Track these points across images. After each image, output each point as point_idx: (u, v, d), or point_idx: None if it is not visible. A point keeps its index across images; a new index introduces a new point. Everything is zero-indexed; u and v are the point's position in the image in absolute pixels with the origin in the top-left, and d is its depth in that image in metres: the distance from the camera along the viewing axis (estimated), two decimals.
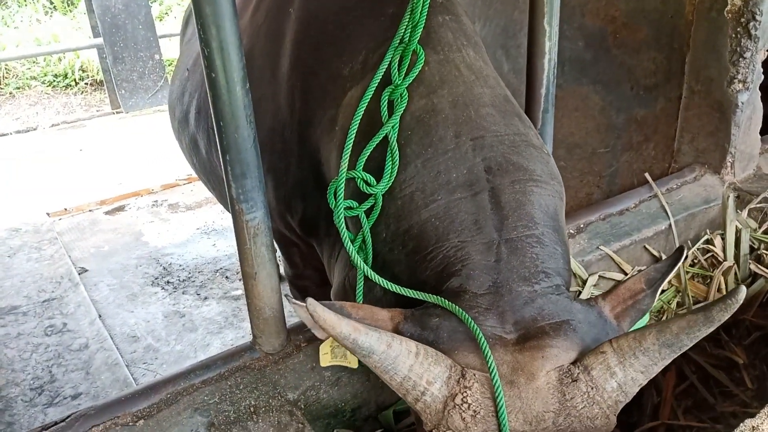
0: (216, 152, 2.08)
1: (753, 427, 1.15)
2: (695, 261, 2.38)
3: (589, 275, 2.15)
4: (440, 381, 1.24)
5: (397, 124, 1.59)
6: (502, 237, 1.43)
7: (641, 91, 2.75)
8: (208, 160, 2.58)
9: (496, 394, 1.22)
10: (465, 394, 1.23)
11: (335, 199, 1.56)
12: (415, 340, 1.29)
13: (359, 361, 1.52)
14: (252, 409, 1.57)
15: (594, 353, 1.25)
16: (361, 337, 1.21)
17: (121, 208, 5.62)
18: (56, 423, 1.52)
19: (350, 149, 1.56)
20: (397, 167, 1.57)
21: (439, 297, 1.37)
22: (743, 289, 1.16)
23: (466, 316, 1.30)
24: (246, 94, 1.44)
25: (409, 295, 1.43)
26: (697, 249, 2.37)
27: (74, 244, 4.97)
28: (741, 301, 1.15)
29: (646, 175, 2.49)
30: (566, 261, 1.51)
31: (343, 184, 1.55)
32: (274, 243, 1.64)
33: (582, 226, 2.24)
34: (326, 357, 1.52)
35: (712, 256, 2.36)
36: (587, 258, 2.14)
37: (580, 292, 2.13)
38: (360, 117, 1.59)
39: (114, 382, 3.34)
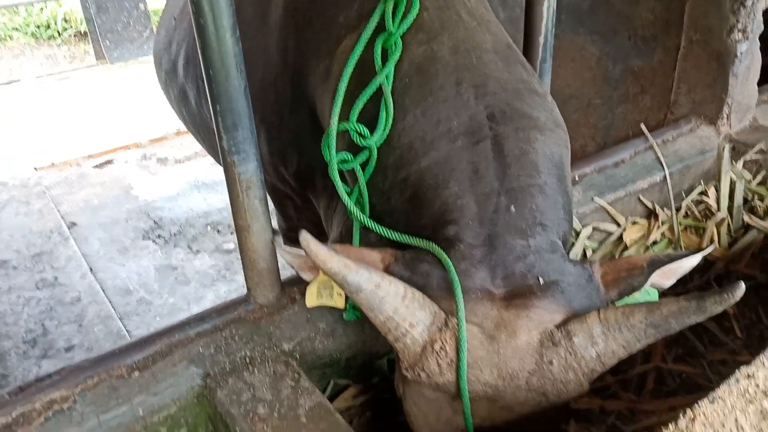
0: (206, 103, 2.03)
1: (748, 374, 1.16)
2: (689, 212, 2.37)
3: (583, 227, 2.14)
4: (422, 325, 1.25)
5: (392, 74, 1.55)
6: (504, 187, 1.40)
7: (639, 41, 2.70)
8: (198, 111, 2.53)
9: (459, 344, 1.23)
10: (444, 342, 1.24)
11: (329, 153, 1.53)
12: (405, 280, 1.30)
13: (346, 302, 1.53)
14: (248, 360, 1.57)
15: (579, 320, 1.25)
16: (351, 275, 1.21)
17: (109, 162, 5.56)
18: (50, 375, 1.51)
19: (341, 100, 1.52)
20: (391, 118, 1.53)
21: (432, 243, 1.35)
22: (742, 285, 1.13)
23: (451, 266, 1.28)
24: (236, 42, 1.39)
25: (404, 241, 1.42)
26: (691, 200, 2.36)
27: (63, 198, 4.93)
28: (738, 298, 1.13)
29: (642, 126, 2.46)
30: (568, 211, 1.50)
31: (334, 137, 1.51)
32: (267, 196, 1.61)
33: (577, 178, 2.23)
34: (312, 297, 1.51)
35: (706, 207, 2.36)
36: (582, 210, 2.13)
37: (574, 244, 2.13)
38: (352, 66, 1.54)
39: (107, 334, 3.36)
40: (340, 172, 1.58)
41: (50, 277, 3.92)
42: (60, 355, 3.26)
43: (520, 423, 1.31)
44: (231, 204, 1.57)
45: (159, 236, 4.36)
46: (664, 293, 1.42)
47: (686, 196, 2.37)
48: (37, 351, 3.32)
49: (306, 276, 1.52)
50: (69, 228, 4.44)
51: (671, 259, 1.33)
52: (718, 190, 2.37)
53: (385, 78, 1.54)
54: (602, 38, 2.83)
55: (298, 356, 1.66)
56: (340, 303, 1.52)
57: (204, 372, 1.55)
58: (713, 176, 2.44)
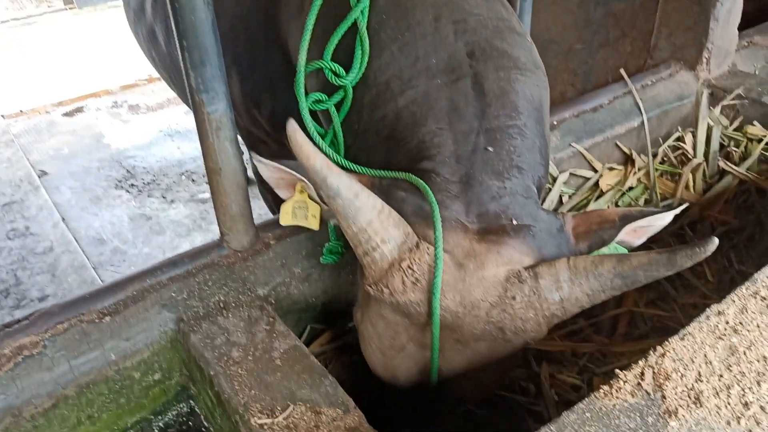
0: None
1: (718, 311, 1.16)
2: (665, 158, 2.38)
3: (560, 172, 2.13)
4: (393, 243, 1.24)
5: (367, 8, 1.50)
6: (482, 126, 1.38)
7: None
8: (167, 53, 2.44)
9: (436, 267, 1.22)
10: (413, 262, 1.24)
11: (298, 92, 1.48)
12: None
13: (320, 223, 1.50)
14: (221, 304, 1.56)
15: (548, 264, 1.24)
16: (332, 176, 1.18)
17: (79, 110, 5.41)
18: (19, 321, 1.49)
19: (309, 36, 1.46)
20: (367, 56, 1.49)
21: (409, 174, 1.34)
22: (715, 240, 1.11)
23: (430, 192, 1.27)
24: None
25: (379, 175, 1.40)
26: (668, 146, 2.36)
27: (32, 146, 4.81)
28: (710, 253, 1.12)
29: (622, 71, 2.43)
30: (544, 155, 1.48)
31: (302, 75, 1.46)
32: (239, 137, 1.57)
33: (555, 123, 2.20)
34: (287, 216, 1.47)
35: (683, 153, 2.36)
36: (559, 155, 2.12)
37: (550, 189, 2.13)
38: (321, 1, 1.48)
39: (81, 284, 3.32)
40: (314, 113, 1.54)
41: (21, 226, 3.84)
42: (33, 305, 3.22)
43: (470, 366, 1.31)
44: (201, 146, 1.53)
45: (132, 185, 4.28)
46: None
47: (663, 143, 2.37)
48: (10, 301, 3.28)
49: (283, 194, 1.48)
50: (39, 177, 4.34)
51: (643, 215, 1.32)
52: (695, 136, 2.37)
53: (360, 13, 1.49)
54: None
55: (273, 301, 1.65)
56: (314, 224, 1.49)
57: (177, 316, 1.53)
58: (691, 123, 2.43)
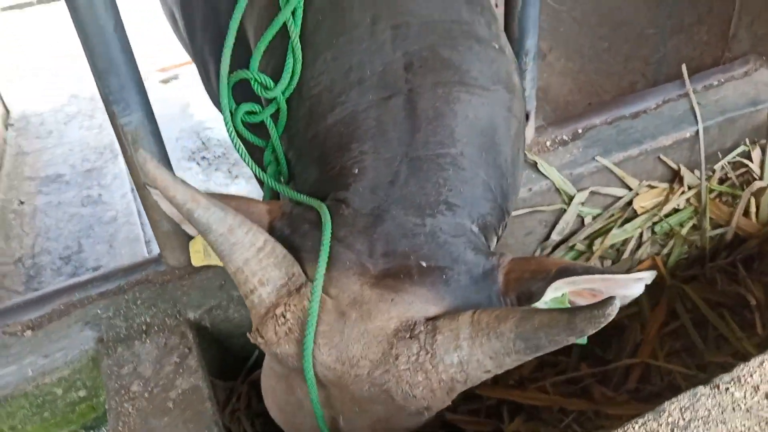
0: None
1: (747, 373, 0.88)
2: (727, 176, 1.97)
3: (579, 191, 1.82)
4: (272, 286, 1.08)
5: (301, 8, 1.30)
6: (408, 154, 1.17)
7: None
8: (184, 38, 2.37)
9: (309, 315, 1.04)
10: (287, 308, 1.06)
11: (222, 104, 1.33)
12: (283, 239, 1.14)
13: None
14: (144, 327, 1.47)
15: (451, 317, 1.01)
16: (199, 210, 1.02)
17: (175, 78, 5.57)
18: None
19: (231, 42, 1.30)
20: (300, 63, 1.30)
21: (320, 203, 1.17)
22: (614, 303, 0.84)
23: (327, 226, 1.10)
24: None
25: (299, 200, 1.23)
26: (727, 162, 1.95)
27: None
28: (610, 317, 0.85)
29: (683, 67, 2.03)
30: (495, 189, 1.23)
31: (225, 87, 1.31)
32: (165, 148, 1.45)
33: (580, 131, 1.88)
34: (197, 256, 1.31)
35: (748, 172, 1.94)
36: (578, 170, 1.80)
37: (565, 210, 1.82)
38: (245, 1, 1.30)
39: (132, 258, 3.41)
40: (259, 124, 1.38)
41: (95, 194, 4.02)
42: (88, 274, 3.35)
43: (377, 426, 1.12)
44: (124, 158, 1.43)
45: (203, 158, 4.35)
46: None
47: (722, 158, 1.96)
48: (69, 268, 3.45)
49: (190, 229, 1.34)
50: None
51: (587, 272, 1.03)
52: (764, 151, 1.93)
53: (291, 14, 1.29)
54: None
55: (208, 325, 1.54)
56: None
57: (98, 336, 1.46)
58: (765, 134, 1.99)
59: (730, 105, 1.96)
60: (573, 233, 1.89)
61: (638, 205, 1.90)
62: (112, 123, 1.37)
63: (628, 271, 1.83)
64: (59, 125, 4.93)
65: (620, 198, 1.90)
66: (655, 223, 1.90)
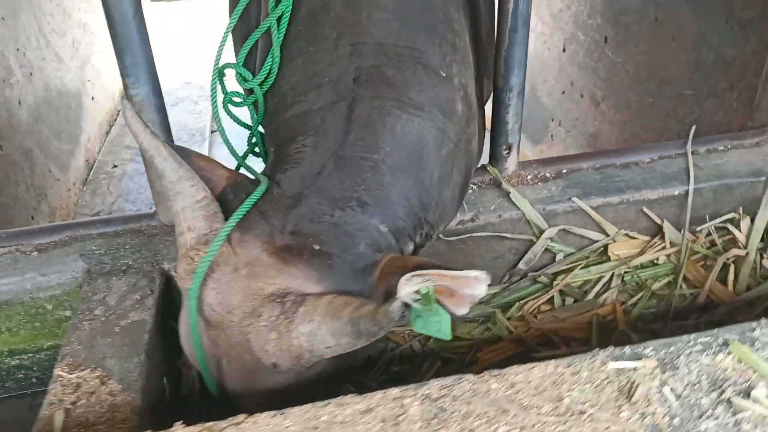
0: None
1: None
2: (714, 243, 1.96)
3: (550, 227, 1.89)
4: (196, 233, 1.28)
5: (287, 17, 1.54)
6: (338, 152, 1.37)
7: (736, 25, 2.20)
8: None
9: (203, 259, 1.23)
10: (197, 252, 1.25)
11: (213, 89, 1.60)
12: (227, 201, 1.34)
13: None
14: (125, 267, 1.71)
15: (318, 296, 1.18)
16: (158, 158, 1.25)
17: None
18: None
19: (226, 40, 1.57)
20: (277, 63, 1.55)
21: (265, 178, 1.38)
22: (397, 303, 1.01)
23: (250, 199, 1.31)
24: None
25: (249, 172, 1.49)
26: (713, 227, 1.94)
27: None
28: (392, 314, 1.03)
29: (692, 127, 2.05)
30: (413, 199, 1.38)
31: (216, 76, 1.58)
32: (168, 119, 1.72)
33: (564, 171, 1.95)
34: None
35: (733, 240, 1.93)
36: (551, 207, 1.87)
37: (533, 242, 1.90)
38: (243, 6, 1.54)
39: None
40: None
41: None
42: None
43: (250, 385, 1.28)
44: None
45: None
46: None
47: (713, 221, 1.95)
48: None
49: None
50: (212, 132, 4.95)
51: (434, 267, 1.13)
52: (753, 221, 1.91)
53: (275, 21, 1.53)
54: (701, 17, 2.36)
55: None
56: None
57: (88, 267, 1.73)
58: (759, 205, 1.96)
59: (729, 171, 1.96)
60: (544, 266, 1.95)
61: (612, 252, 1.94)
62: (125, 93, 1.63)
63: (586, 313, 1.88)
64: (167, 106, 5.45)
65: (596, 242, 1.95)
66: (626, 272, 1.93)
